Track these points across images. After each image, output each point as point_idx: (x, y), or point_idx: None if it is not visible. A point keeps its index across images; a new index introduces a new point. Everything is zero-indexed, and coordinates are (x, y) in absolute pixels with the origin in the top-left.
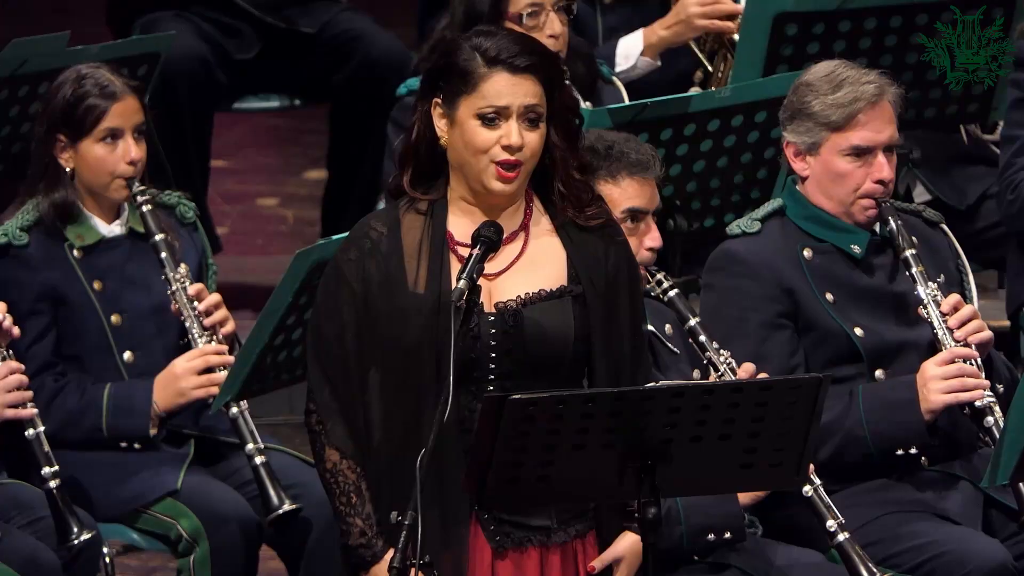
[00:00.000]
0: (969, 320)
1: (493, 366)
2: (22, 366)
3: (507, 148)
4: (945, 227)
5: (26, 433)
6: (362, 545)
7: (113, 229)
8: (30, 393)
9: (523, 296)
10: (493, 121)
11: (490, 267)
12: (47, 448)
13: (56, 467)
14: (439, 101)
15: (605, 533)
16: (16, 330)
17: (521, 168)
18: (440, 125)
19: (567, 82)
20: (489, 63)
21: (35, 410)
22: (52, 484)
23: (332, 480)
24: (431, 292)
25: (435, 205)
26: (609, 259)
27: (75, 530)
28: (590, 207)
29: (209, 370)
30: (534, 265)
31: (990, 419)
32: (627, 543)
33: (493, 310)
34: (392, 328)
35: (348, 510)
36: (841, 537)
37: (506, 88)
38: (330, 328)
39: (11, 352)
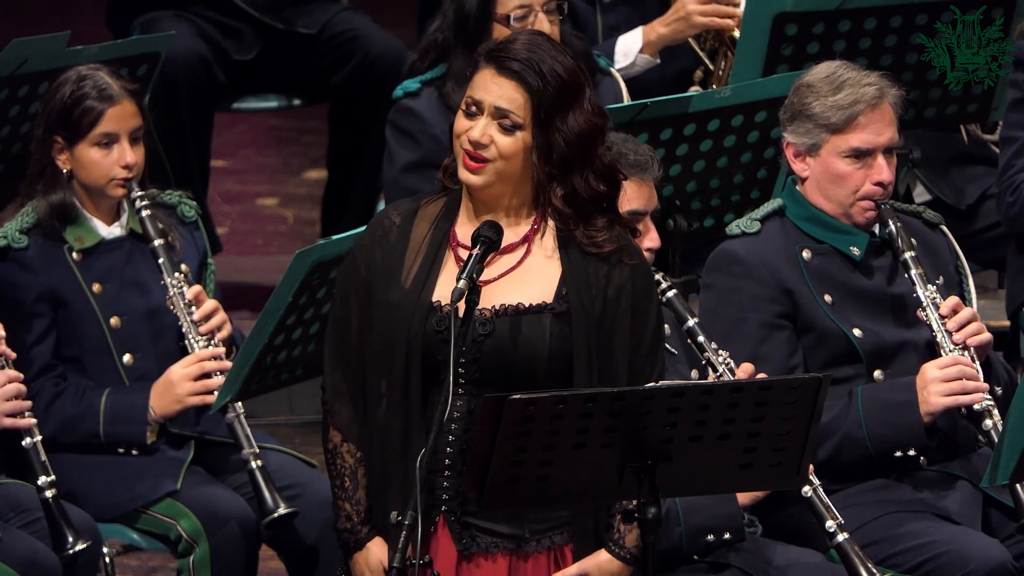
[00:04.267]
0: (968, 323)
1: (462, 371)
2: (20, 375)
3: (470, 140)
4: (944, 228)
5: (23, 443)
6: (347, 530)
7: (113, 231)
8: (29, 403)
9: (499, 307)
10: (472, 113)
11: (484, 273)
12: (44, 458)
13: (52, 477)
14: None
15: (579, 549)
16: (12, 353)
17: (488, 164)
18: None
19: (594, 116)
20: (487, 57)
21: (34, 420)
22: (48, 494)
23: (331, 460)
24: (414, 290)
25: (451, 199)
26: (611, 281)
27: (70, 540)
28: (597, 234)
29: (206, 375)
30: (526, 279)
31: (988, 422)
32: (597, 560)
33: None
34: (379, 320)
35: (341, 493)
36: (840, 537)
37: (487, 83)
38: (342, 311)
39: (10, 361)
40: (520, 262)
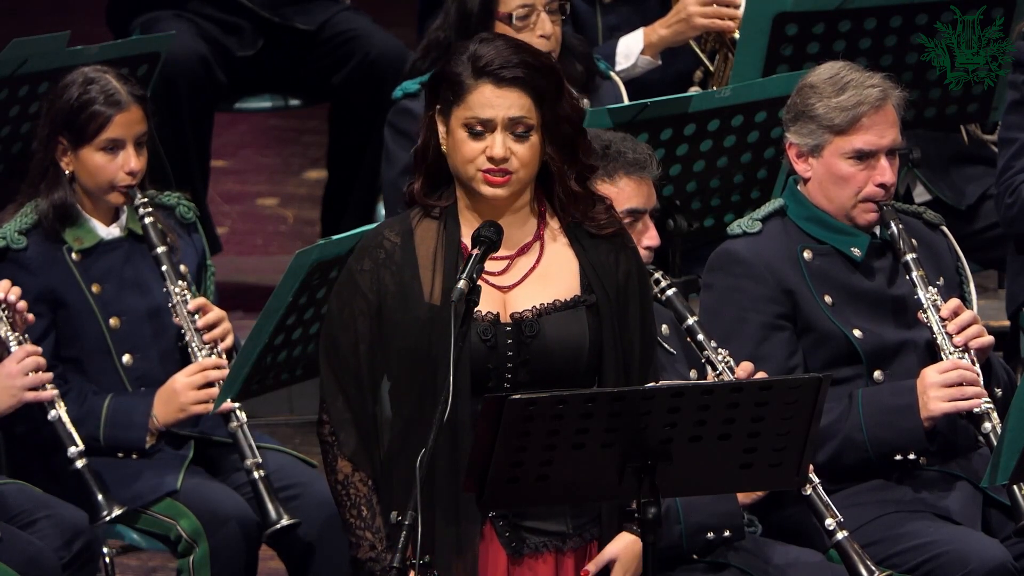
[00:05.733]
0: (969, 325)
1: (509, 376)
2: (39, 349)
3: (491, 159)
4: (945, 229)
5: (48, 415)
6: (371, 559)
7: (112, 231)
8: (50, 375)
9: (538, 307)
10: (479, 132)
11: (505, 279)
12: (71, 428)
13: (82, 447)
14: (439, 108)
15: (605, 537)
16: (31, 316)
17: (512, 176)
18: (441, 132)
19: (574, 92)
20: (476, 74)
21: (56, 391)
22: (79, 464)
23: (343, 492)
24: (446, 305)
25: (447, 212)
26: (619, 267)
27: (105, 508)
28: (599, 215)
29: (209, 384)
30: (548, 276)
31: (987, 425)
32: (622, 544)
33: (509, 320)
34: (408, 338)
35: (358, 523)
36: (840, 535)
37: (491, 100)
38: (345, 339)
39: (27, 336)
40: (538, 260)
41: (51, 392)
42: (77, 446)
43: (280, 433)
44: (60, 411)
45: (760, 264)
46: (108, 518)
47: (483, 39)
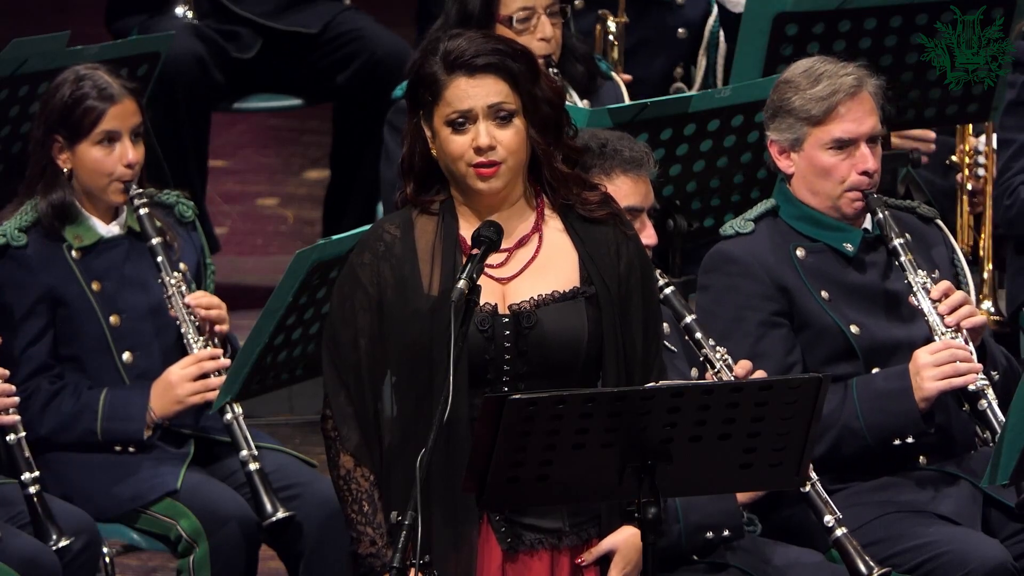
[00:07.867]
0: (960, 306)
1: (507, 367)
2: (6, 373)
3: (477, 150)
4: (940, 223)
5: (7, 439)
6: (372, 555)
7: (111, 229)
8: (15, 400)
9: (536, 298)
10: (462, 126)
11: (504, 270)
12: (27, 454)
13: (36, 473)
14: (422, 113)
15: (604, 535)
16: None
17: (501, 166)
18: (428, 137)
19: (553, 73)
20: (448, 69)
21: (17, 417)
22: (32, 490)
23: (345, 487)
24: (445, 296)
25: (445, 207)
26: (622, 258)
27: (54, 536)
28: (591, 197)
29: (204, 375)
30: (547, 267)
31: (983, 403)
32: (622, 536)
33: (507, 312)
34: (407, 331)
35: (359, 518)
36: (839, 532)
37: (467, 91)
38: (346, 333)
39: None
40: (537, 252)
41: (13, 418)
42: (32, 472)
43: (280, 433)
44: (19, 435)
45: (755, 262)
46: (55, 548)
47: (452, 35)
